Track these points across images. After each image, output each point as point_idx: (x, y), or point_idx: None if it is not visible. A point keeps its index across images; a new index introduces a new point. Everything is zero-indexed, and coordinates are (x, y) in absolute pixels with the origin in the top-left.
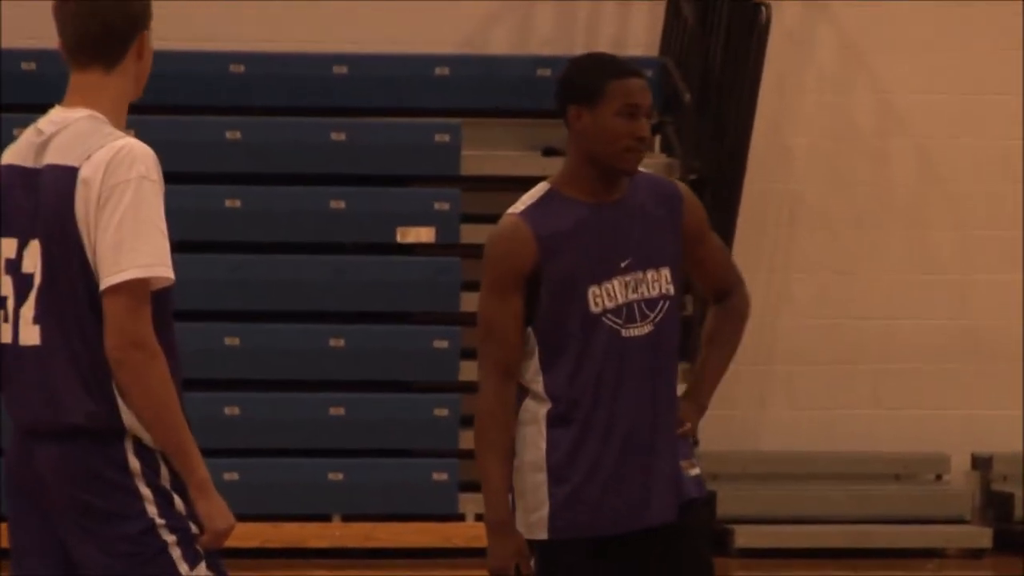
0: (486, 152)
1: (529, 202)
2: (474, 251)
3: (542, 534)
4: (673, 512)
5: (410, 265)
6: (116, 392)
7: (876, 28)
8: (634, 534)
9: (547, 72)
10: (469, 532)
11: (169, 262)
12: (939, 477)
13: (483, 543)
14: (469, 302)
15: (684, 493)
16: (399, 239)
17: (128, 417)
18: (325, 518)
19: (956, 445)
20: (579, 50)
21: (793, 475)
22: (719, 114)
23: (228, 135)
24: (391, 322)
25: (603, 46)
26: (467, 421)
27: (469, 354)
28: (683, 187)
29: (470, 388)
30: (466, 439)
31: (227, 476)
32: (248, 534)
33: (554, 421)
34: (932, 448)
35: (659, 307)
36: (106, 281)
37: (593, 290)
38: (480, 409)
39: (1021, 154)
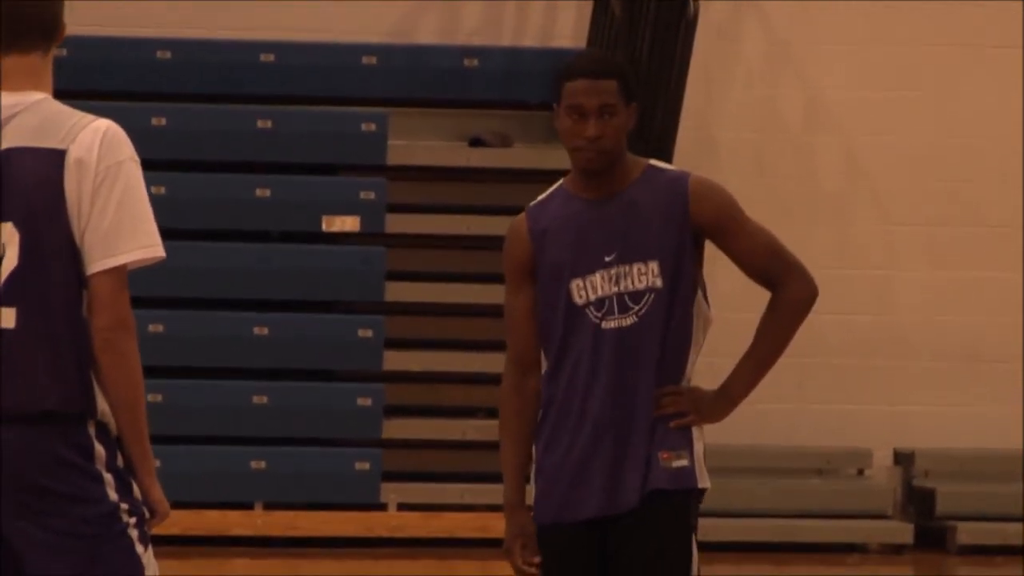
0: (412, 142)
1: (539, 198)
2: (399, 240)
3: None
4: (635, 498)
5: (335, 254)
6: (92, 376)
7: (803, 25)
8: (605, 520)
9: (474, 63)
10: (391, 521)
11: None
12: (861, 472)
13: (404, 532)
14: (394, 291)
15: (651, 482)
16: (324, 228)
17: (102, 401)
18: (247, 506)
19: (878, 440)
20: (506, 41)
21: (717, 469)
22: (646, 108)
23: (154, 121)
24: (315, 311)
25: (531, 38)
26: (390, 411)
27: (393, 343)
28: (696, 181)
29: (393, 378)
30: (389, 428)
31: None
32: (170, 522)
33: (545, 410)
34: (854, 443)
35: (644, 299)
36: (105, 263)
37: (577, 283)
38: (499, 396)
39: (944, 151)
